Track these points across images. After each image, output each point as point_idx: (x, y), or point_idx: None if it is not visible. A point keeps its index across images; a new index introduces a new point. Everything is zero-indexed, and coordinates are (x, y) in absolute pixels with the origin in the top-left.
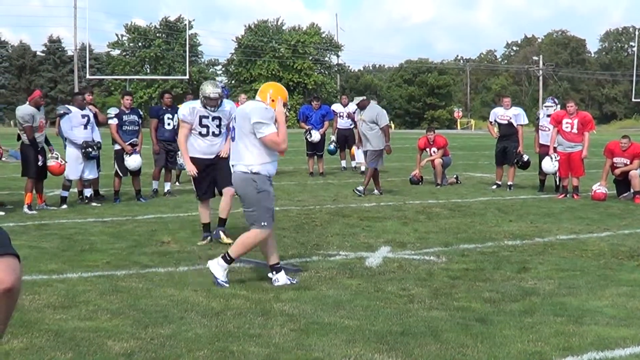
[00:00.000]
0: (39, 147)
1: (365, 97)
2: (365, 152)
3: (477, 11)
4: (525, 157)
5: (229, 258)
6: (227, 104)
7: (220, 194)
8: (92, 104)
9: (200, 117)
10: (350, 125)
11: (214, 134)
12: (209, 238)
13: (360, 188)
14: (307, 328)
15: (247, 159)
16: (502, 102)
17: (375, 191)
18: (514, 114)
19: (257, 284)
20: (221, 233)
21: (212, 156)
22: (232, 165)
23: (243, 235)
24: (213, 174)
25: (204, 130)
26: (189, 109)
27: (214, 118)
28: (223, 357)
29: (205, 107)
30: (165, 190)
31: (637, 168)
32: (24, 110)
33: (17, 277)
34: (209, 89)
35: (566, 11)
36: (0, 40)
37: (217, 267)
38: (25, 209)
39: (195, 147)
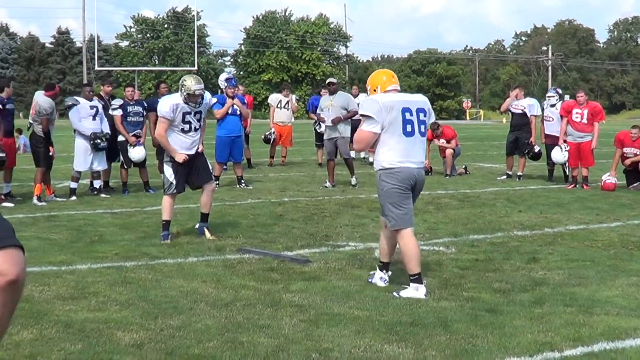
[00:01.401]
0: (50, 139)
1: (336, 81)
2: (333, 140)
3: (487, 1)
4: (537, 148)
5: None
6: (208, 95)
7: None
8: (111, 95)
9: (184, 114)
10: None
11: (195, 129)
12: (170, 237)
13: (354, 181)
14: (317, 319)
15: (424, 154)
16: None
17: (327, 184)
18: (528, 104)
19: (266, 274)
20: (205, 230)
21: (192, 152)
22: (410, 163)
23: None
24: (190, 169)
25: (186, 127)
26: (170, 106)
27: (195, 113)
28: (232, 348)
29: (188, 103)
30: None
31: None
32: (48, 102)
33: (22, 269)
34: (194, 86)
35: (575, 1)
36: (9, 32)
37: (411, 291)
38: (35, 201)
39: (177, 143)
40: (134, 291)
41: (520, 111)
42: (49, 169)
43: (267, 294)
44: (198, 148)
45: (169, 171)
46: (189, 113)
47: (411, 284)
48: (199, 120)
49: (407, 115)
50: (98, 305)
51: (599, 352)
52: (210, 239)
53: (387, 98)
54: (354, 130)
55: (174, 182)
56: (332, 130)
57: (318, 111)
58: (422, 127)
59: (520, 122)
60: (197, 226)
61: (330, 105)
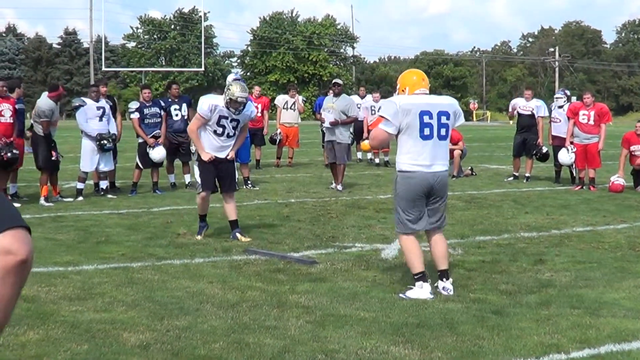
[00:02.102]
0: (52, 142)
1: (342, 83)
2: (330, 143)
3: (494, 2)
4: (545, 149)
5: (447, 272)
6: (250, 106)
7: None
8: (108, 96)
9: (220, 117)
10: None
11: (228, 135)
12: (205, 229)
13: (339, 187)
14: (323, 320)
15: (447, 158)
16: (523, 93)
17: (338, 186)
18: (536, 105)
19: (272, 275)
20: (238, 235)
21: (222, 156)
22: (430, 166)
23: (443, 244)
24: (218, 172)
25: (219, 130)
26: (209, 106)
27: (232, 120)
28: (239, 349)
29: (228, 108)
30: (187, 183)
31: None
32: (47, 104)
33: (31, 248)
34: (238, 92)
35: (583, 2)
36: (17, 33)
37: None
38: (42, 201)
39: (206, 143)
40: (140, 292)
41: (528, 112)
42: (55, 170)
43: (273, 295)
44: (228, 155)
45: (197, 171)
46: (226, 118)
47: (416, 283)
48: (234, 128)
49: (426, 118)
50: (104, 306)
51: (605, 355)
52: (245, 241)
53: (406, 100)
54: (356, 132)
55: (200, 181)
56: (330, 133)
57: (321, 110)
58: (443, 130)
59: (528, 124)
60: (231, 236)
61: (332, 107)
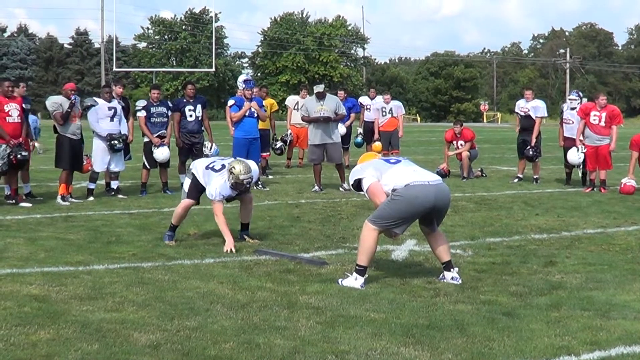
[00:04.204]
0: (77, 139)
1: (324, 86)
2: (321, 146)
3: (505, 4)
4: (530, 152)
5: (450, 262)
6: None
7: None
8: (123, 97)
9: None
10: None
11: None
12: (174, 240)
13: (346, 185)
14: (333, 321)
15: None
16: (524, 94)
17: (344, 184)
18: (533, 106)
19: (282, 276)
20: (245, 237)
21: None
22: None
23: (443, 238)
24: None
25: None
26: (224, 194)
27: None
28: (249, 349)
29: (232, 188)
30: None
31: None
32: (51, 98)
33: None
34: (242, 175)
35: (594, 4)
36: (28, 33)
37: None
38: (59, 200)
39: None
40: (151, 292)
41: (523, 114)
42: (75, 169)
43: (283, 296)
44: None
45: (187, 182)
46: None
47: (355, 274)
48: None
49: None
50: (115, 306)
51: (616, 357)
52: (251, 243)
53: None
54: (366, 133)
55: (187, 191)
56: (323, 135)
57: (312, 114)
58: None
59: (528, 125)
60: (238, 236)
61: (322, 109)
